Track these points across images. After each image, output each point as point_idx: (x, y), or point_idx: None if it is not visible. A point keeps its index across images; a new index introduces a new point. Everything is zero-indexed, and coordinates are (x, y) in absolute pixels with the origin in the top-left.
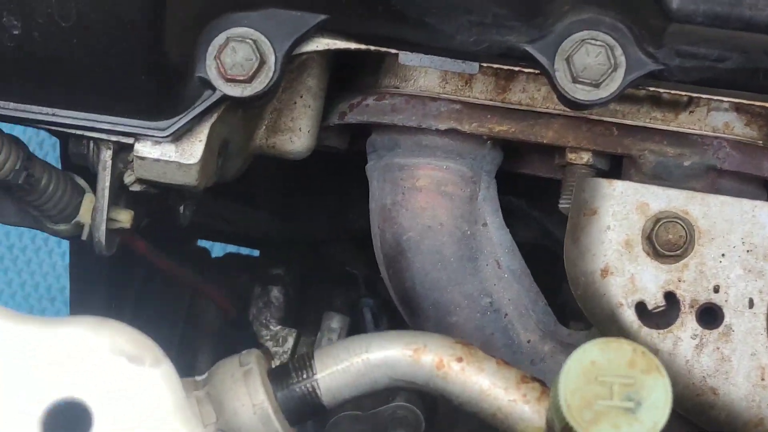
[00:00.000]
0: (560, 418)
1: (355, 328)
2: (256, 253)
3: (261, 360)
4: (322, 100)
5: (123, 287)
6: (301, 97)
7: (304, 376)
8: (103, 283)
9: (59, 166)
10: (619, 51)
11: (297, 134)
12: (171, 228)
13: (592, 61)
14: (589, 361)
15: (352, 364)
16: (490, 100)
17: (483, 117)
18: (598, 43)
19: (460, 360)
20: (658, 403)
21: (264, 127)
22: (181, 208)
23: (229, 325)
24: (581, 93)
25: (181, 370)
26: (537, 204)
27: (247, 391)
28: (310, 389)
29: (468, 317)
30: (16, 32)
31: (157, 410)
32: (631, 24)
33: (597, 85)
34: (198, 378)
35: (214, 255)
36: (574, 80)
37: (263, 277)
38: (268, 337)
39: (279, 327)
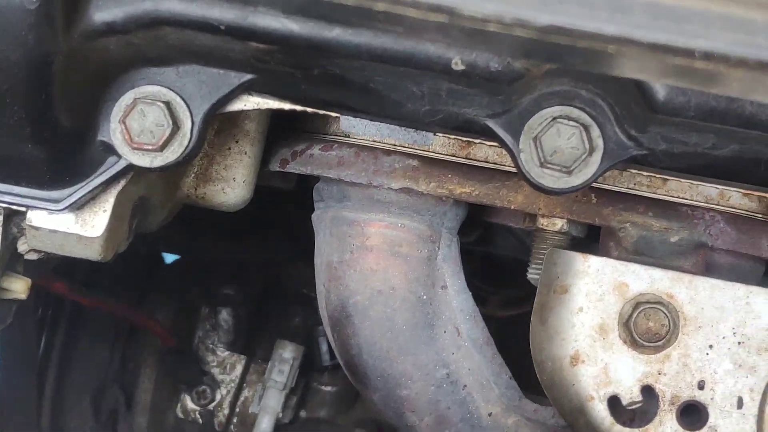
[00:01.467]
0: None
1: (309, 358)
2: None
3: None
4: (262, 145)
5: (52, 327)
6: (237, 142)
7: None
8: (32, 328)
9: None
10: (596, 132)
11: (230, 184)
12: None
13: (564, 143)
14: None
15: None
16: (452, 155)
17: (443, 176)
18: (571, 123)
19: None
20: None
21: (192, 175)
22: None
23: (171, 351)
24: (550, 180)
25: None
26: None
27: None
28: None
29: (421, 390)
30: None
31: None
32: (612, 102)
33: (569, 172)
34: None
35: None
36: (542, 164)
37: (213, 296)
38: (215, 364)
39: (227, 353)
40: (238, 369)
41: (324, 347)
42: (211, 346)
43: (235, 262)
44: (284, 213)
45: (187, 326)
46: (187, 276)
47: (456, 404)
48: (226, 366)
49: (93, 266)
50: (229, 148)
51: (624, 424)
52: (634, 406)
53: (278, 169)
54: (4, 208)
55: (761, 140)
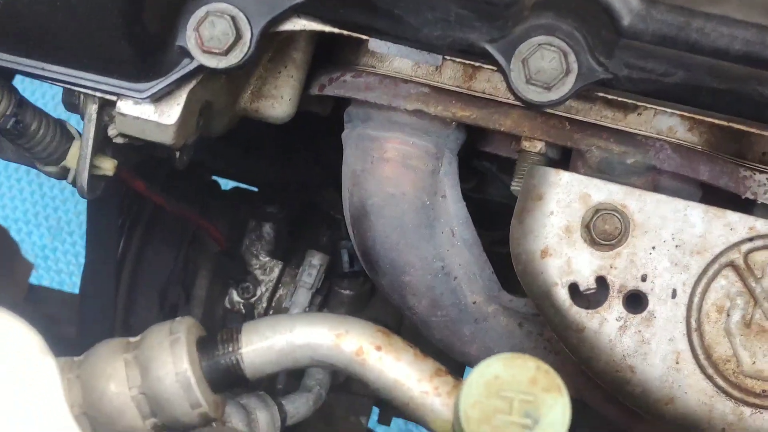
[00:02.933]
0: (459, 427)
1: (333, 266)
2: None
3: (191, 329)
4: (305, 72)
5: (129, 235)
6: (285, 67)
7: (230, 349)
8: (115, 222)
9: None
10: (572, 57)
11: (279, 101)
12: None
13: (547, 65)
14: (493, 375)
15: (276, 342)
16: (457, 86)
17: (448, 102)
18: (553, 48)
19: (378, 348)
20: (556, 422)
21: (249, 92)
22: (177, 154)
23: (224, 254)
24: (533, 94)
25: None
26: (506, 168)
27: (172, 359)
28: (234, 362)
29: (421, 278)
30: None
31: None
32: (586, 33)
33: (549, 88)
34: (131, 339)
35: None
36: (528, 81)
37: (258, 212)
38: (257, 266)
39: (267, 258)
40: (276, 272)
41: (345, 258)
42: (255, 252)
43: (278, 187)
44: (318, 148)
45: (237, 236)
46: (238, 197)
47: (448, 291)
48: (266, 269)
49: (165, 183)
50: (279, 72)
51: (580, 306)
52: (589, 292)
53: (317, 93)
54: (99, 98)
55: (702, 67)
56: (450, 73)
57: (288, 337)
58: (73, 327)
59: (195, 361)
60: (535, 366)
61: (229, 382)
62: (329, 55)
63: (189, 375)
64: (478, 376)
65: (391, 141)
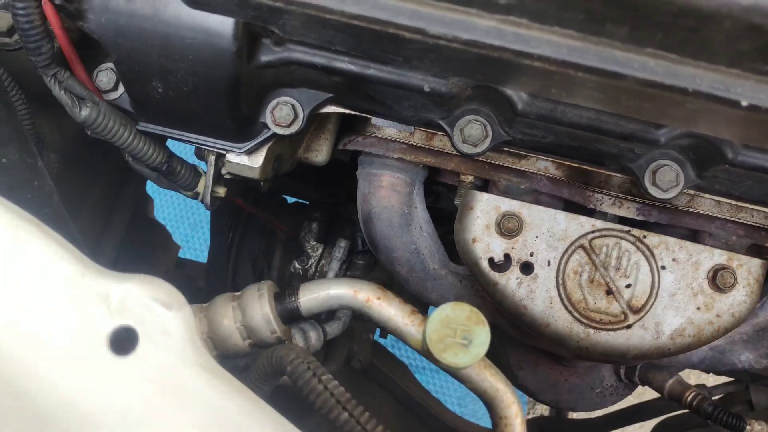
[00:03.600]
0: (425, 346)
1: (353, 247)
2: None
3: (270, 288)
4: (335, 135)
5: (235, 228)
6: (323, 132)
7: (293, 299)
8: (227, 222)
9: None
10: (489, 128)
11: (320, 153)
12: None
13: (474, 132)
14: (445, 315)
15: (319, 295)
16: (422, 143)
17: (418, 153)
18: (478, 122)
19: (379, 298)
20: (482, 342)
21: (302, 147)
22: (262, 183)
23: (289, 240)
24: (466, 149)
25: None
26: (452, 190)
27: (260, 305)
28: (295, 307)
29: (402, 255)
30: (160, 91)
31: (178, 337)
32: (497, 113)
33: (475, 145)
34: (236, 294)
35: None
36: (463, 142)
37: (309, 216)
38: (309, 248)
39: (314, 242)
40: (319, 251)
41: (359, 242)
42: (307, 239)
43: (320, 202)
44: (343, 179)
45: (297, 230)
46: (297, 207)
47: (418, 262)
48: (314, 248)
49: (255, 199)
50: (320, 135)
51: (494, 271)
52: (500, 263)
53: (341, 148)
54: (216, 152)
55: (564, 133)
56: (418, 136)
57: (326, 292)
58: (203, 282)
59: (272, 306)
60: (469, 309)
61: (293, 318)
62: (349, 126)
63: (269, 314)
64: (437, 315)
65: (385, 176)
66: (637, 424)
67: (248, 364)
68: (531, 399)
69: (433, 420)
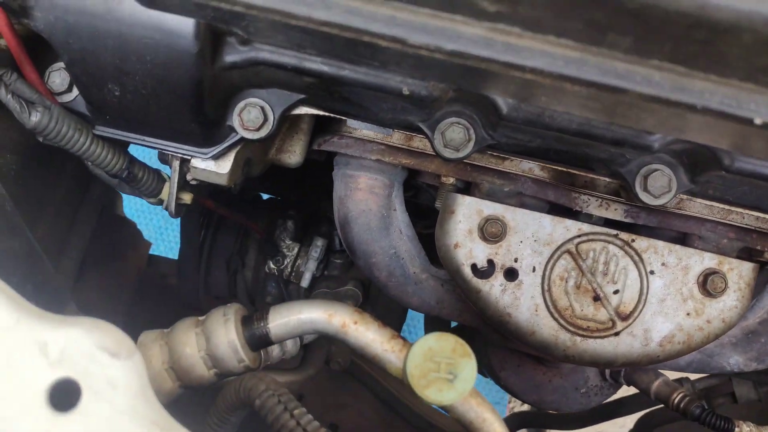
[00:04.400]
0: (406, 382)
1: (330, 246)
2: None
3: (237, 311)
4: (309, 135)
5: (207, 227)
6: (296, 133)
7: (261, 324)
8: (197, 219)
9: (155, 164)
10: (472, 131)
11: (293, 154)
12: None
13: (456, 136)
14: (428, 347)
15: (291, 320)
16: (401, 144)
17: (397, 154)
18: (460, 125)
19: (355, 322)
20: (468, 377)
21: (274, 149)
22: (232, 185)
23: (264, 240)
24: (448, 153)
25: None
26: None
27: (225, 332)
28: (264, 333)
29: (381, 259)
30: (117, 94)
31: (127, 390)
32: (481, 116)
33: (457, 149)
34: (200, 318)
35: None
36: (445, 146)
37: (284, 214)
38: (284, 247)
39: (290, 242)
40: (295, 250)
41: (336, 241)
42: (282, 238)
43: (296, 199)
44: (317, 178)
45: (271, 229)
46: (272, 204)
47: (398, 267)
48: (290, 248)
49: (226, 199)
50: (293, 136)
51: (477, 277)
52: (483, 269)
53: (315, 148)
54: (180, 157)
55: (552, 138)
56: (397, 136)
57: (298, 316)
58: (175, 279)
59: (240, 333)
60: (455, 341)
61: (262, 345)
62: (323, 125)
63: (235, 342)
64: (418, 348)
65: (362, 177)
66: (620, 418)
67: (218, 388)
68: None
69: (416, 418)
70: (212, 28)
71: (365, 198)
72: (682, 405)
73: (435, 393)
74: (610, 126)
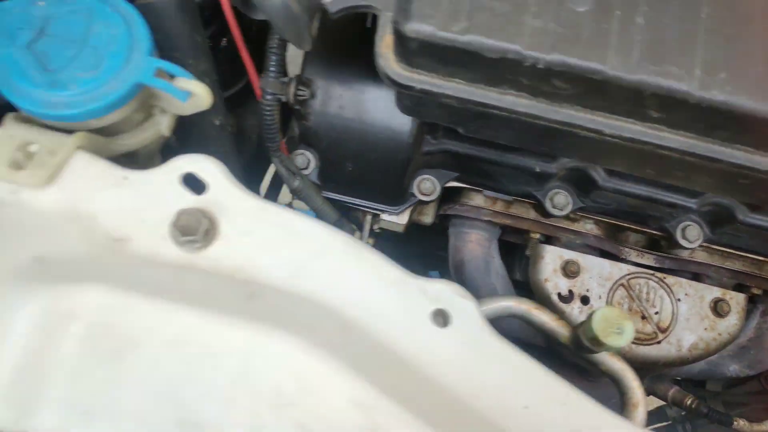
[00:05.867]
0: (593, 335)
1: None
2: None
3: None
4: (438, 203)
5: None
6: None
7: None
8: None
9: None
10: (569, 198)
11: (428, 216)
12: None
13: (560, 200)
14: (604, 314)
15: (500, 305)
16: (503, 211)
17: (501, 217)
18: (562, 194)
19: (536, 308)
20: (630, 330)
21: (416, 212)
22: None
23: None
24: (555, 212)
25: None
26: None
27: None
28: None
29: (485, 293)
30: (350, 168)
31: (476, 319)
32: (577, 188)
33: (561, 209)
34: None
35: None
36: (553, 207)
37: None
38: None
39: None
40: None
41: None
42: None
43: None
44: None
45: None
46: None
47: (494, 292)
48: None
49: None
50: (428, 204)
51: (561, 302)
52: (565, 297)
53: (442, 213)
54: (371, 213)
55: (625, 202)
56: (499, 205)
57: (502, 303)
58: None
59: None
60: (619, 311)
61: None
62: (444, 197)
63: None
64: (599, 314)
65: (473, 234)
66: None
67: None
68: None
69: None
70: (419, 128)
71: (474, 248)
72: (693, 406)
73: (612, 340)
74: (667, 193)
